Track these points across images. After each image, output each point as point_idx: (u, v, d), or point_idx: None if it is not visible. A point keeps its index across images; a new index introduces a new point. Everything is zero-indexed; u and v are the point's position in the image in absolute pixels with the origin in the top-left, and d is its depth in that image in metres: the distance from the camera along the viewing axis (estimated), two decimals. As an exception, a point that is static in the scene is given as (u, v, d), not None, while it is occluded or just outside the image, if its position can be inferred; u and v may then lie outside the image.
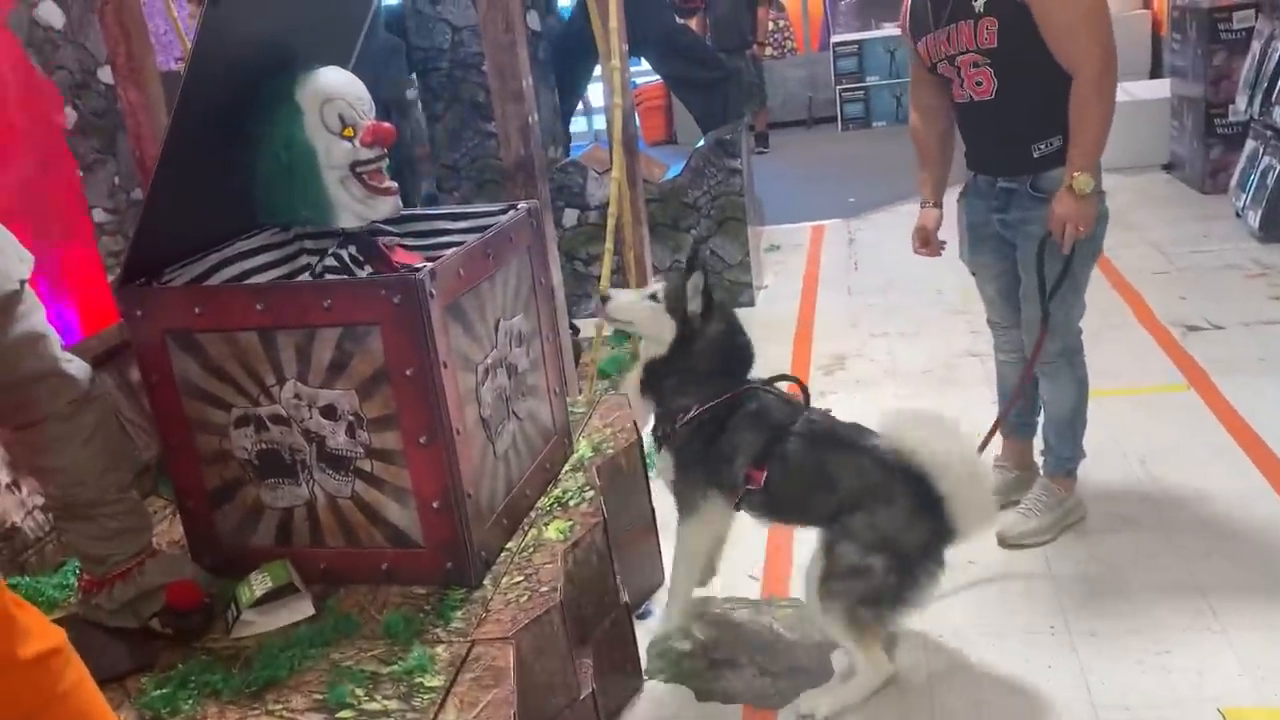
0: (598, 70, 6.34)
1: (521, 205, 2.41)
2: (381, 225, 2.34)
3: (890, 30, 10.64)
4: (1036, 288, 2.73)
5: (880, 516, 2.25)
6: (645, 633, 2.57)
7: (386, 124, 2.20)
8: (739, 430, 2.38)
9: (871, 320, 4.80)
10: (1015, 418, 3.06)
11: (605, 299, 2.52)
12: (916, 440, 2.23)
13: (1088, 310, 2.85)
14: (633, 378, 2.52)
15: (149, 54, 2.90)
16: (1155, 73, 8.42)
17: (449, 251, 2.15)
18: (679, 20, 6.04)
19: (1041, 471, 3.01)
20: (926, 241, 2.98)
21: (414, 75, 5.37)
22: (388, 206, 2.24)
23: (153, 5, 5.09)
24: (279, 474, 2.08)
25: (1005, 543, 2.87)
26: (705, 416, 2.38)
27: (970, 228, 2.92)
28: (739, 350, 2.47)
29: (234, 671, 1.86)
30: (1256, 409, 3.46)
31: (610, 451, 2.60)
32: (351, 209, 2.19)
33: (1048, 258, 2.69)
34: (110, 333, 2.78)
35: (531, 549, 2.16)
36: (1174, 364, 3.89)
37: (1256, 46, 5.47)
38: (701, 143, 5.27)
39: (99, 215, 4.51)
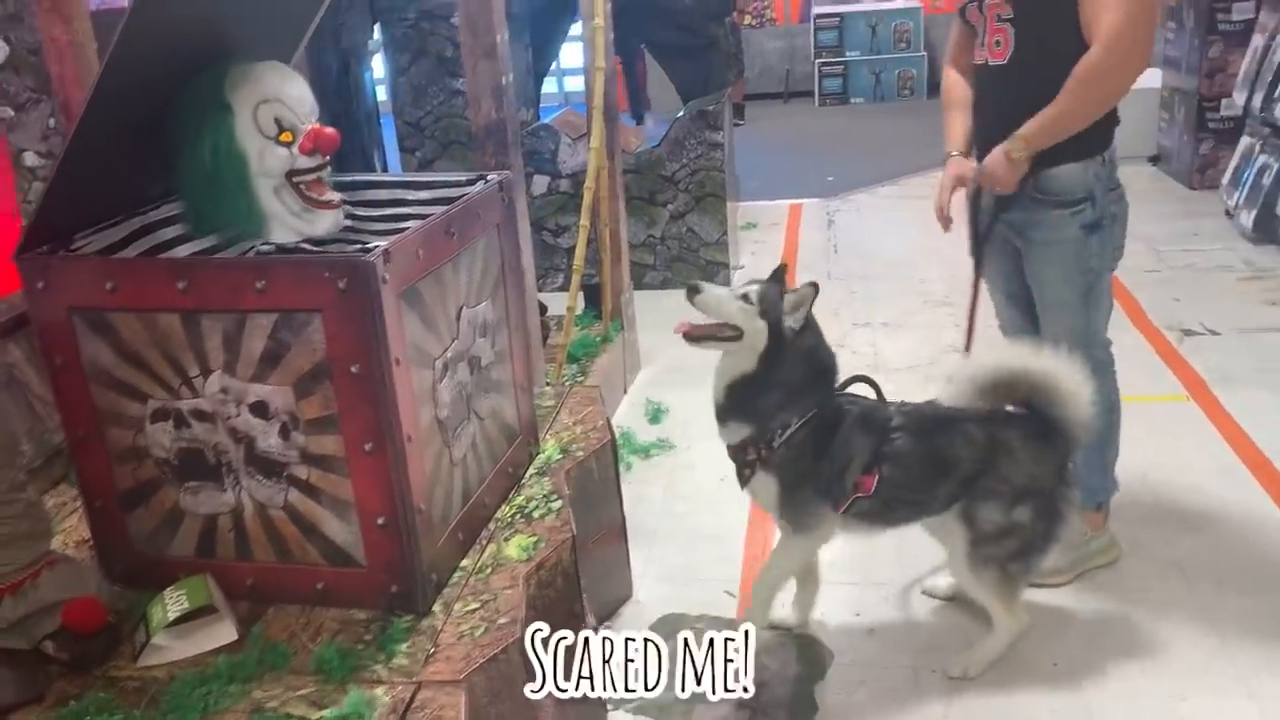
0: (574, 29, 6.05)
1: (492, 177, 2.14)
2: (340, 195, 2.05)
3: (872, 5, 10.37)
4: (1054, 303, 2.51)
5: (1007, 469, 2.26)
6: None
7: (330, 129, 1.91)
8: (847, 439, 2.28)
9: (854, 309, 4.57)
10: None
11: (696, 290, 2.23)
12: (1017, 372, 2.25)
13: None
14: (718, 397, 2.29)
15: (77, -13, 2.57)
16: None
17: (408, 227, 1.88)
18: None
19: None
20: (959, 186, 2.58)
21: (376, 24, 5.03)
22: (327, 222, 1.96)
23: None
24: (201, 476, 1.80)
25: None
26: (807, 431, 2.25)
27: (976, 224, 2.63)
28: (829, 359, 2.33)
29: (138, 711, 1.60)
30: (1258, 423, 3.29)
31: (580, 454, 2.35)
32: (286, 222, 1.91)
33: (1050, 276, 2.48)
34: (21, 297, 2.48)
35: (489, 569, 1.91)
36: (1172, 372, 3.72)
37: (1259, 41, 5.29)
38: (681, 112, 4.99)
39: (30, 159, 4.14)
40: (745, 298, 2.22)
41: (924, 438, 2.29)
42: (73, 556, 1.99)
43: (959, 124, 2.62)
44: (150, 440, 1.80)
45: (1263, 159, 5.07)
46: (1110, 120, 2.40)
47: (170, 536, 1.86)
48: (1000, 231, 2.58)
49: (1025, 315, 2.66)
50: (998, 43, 2.43)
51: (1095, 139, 2.37)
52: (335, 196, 1.99)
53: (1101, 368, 2.53)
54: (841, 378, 2.35)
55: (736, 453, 2.31)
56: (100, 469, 1.85)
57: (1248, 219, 5.04)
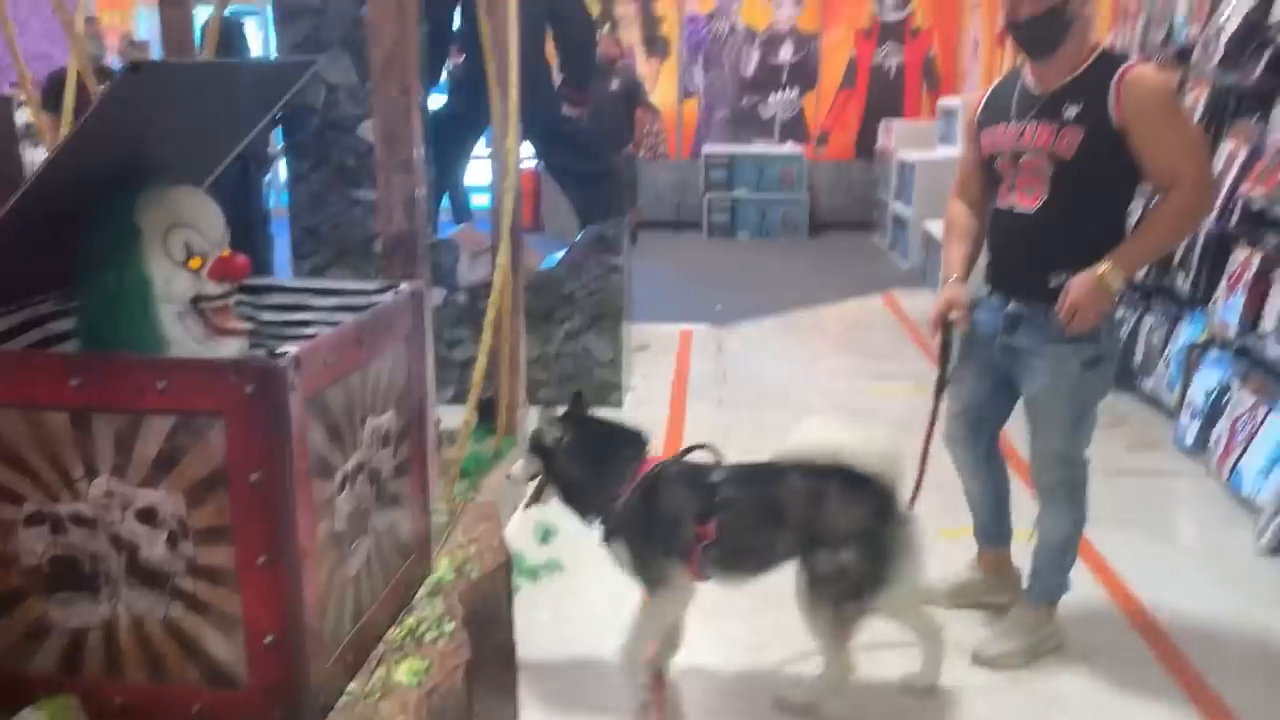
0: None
1: (404, 287, 2.12)
2: (241, 298, 2.01)
3: (761, 148, 10.87)
4: (1045, 425, 2.75)
5: (830, 516, 2.49)
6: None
7: (241, 257, 1.89)
8: (673, 494, 2.58)
9: (743, 435, 4.61)
10: (988, 527, 3.06)
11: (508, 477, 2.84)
12: (831, 445, 2.53)
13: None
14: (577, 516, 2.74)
15: (-24, 68, 2.50)
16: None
17: (312, 334, 1.84)
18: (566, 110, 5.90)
19: (1026, 595, 2.95)
20: (950, 309, 2.81)
21: (278, 131, 5.02)
22: (231, 349, 1.91)
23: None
24: (74, 586, 1.68)
25: (979, 659, 2.87)
26: (636, 495, 2.58)
27: (969, 337, 2.87)
28: (623, 436, 2.71)
29: (-19, 847, 1.45)
30: (1124, 562, 3.43)
31: (474, 575, 2.29)
32: (188, 348, 1.86)
33: (1045, 402, 2.74)
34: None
35: (378, 694, 1.82)
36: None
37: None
38: (581, 235, 5.08)
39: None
40: (521, 466, 2.76)
41: (752, 488, 2.58)
42: (-84, 671, 1.82)
43: (958, 252, 2.88)
44: (20, 546, 1.68)
45: (1120, 312, 5.43)
46: None
47: (32, 652, 1.72)
48: (992, 353, 2.81)
49: (973, 432, 2.92)
50: (1029, 190, 2.65)
51: None
52: (241, 324, 1.96)
53: (1076, 484, 2.81)
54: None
55: (602, 538, 2.67)
56: (-41, 575, 1.71)
57: (1108, 368, 5.35)
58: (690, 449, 2.71)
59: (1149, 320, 5.19)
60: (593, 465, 2.64)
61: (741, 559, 2.57)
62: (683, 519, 2.53)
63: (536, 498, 2.77)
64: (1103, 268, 2.52)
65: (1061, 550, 2.87)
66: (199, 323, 1.87)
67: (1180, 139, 2.55)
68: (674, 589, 2.62)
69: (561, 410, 2.68)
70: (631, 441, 2.68)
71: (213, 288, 1.87)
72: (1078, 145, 2.57)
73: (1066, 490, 2.82)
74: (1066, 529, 2.84)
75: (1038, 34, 2.60)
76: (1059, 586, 2.91)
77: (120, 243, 1.79)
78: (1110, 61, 2.62)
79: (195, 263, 1.84)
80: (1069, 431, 2.75)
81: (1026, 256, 2.70)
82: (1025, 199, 2.67)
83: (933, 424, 2.94)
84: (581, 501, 2.69)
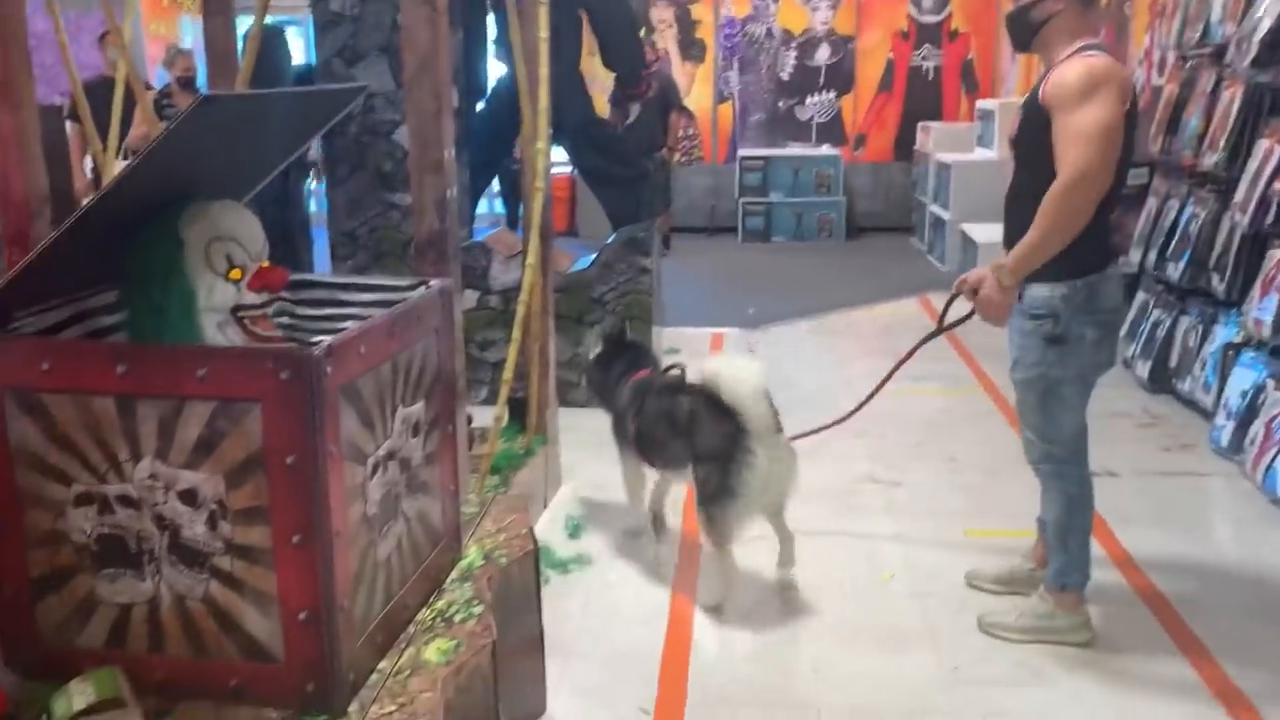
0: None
1: (434, 283, 2.20)
2: (281, 294, 2.10)
3: (797, 150, 10.88)
4: (1020, 402, 2.90)
5: (699, 435, 3.15)
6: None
7: (279, 269, 2.02)
8: (626, 397, 3.52)
9: (772, 436, 4.68)
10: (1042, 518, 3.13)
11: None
12: (710, 371, 3.16)
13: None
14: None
15: (28, 76, 2.59)
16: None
17: (346, 327, 1.92)
18: (611, 109, 5.97)
19: (1044, 579, 3.01)
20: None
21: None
22: None
23: (44, 37, 4.77)
24: (120, 564, 1.77)
25: (981, 624, 3.01)
26: (622, 393, 3.54)
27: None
28: (631, 350, 3.75)
29: (33, 806, 1.54)
30: (1155, 564, 3.43)
31: (503, 561, 2.36)
32: None
33: (1016, 377, 2.88)
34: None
35: (408, 672, 1.89)
36: (1073, 508, 3.86)
37: (1153, 203, 5.69)
38: (613, 238, 5.15)
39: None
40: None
41: (660, 401, 3.34)
42: (-28, 645, 1.91)
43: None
44: (70, 525, 1.77)
45: (1156, 313, 5.40)
46: (1085, 253, 2.69)
47: (81, 626, 1.81)
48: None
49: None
50: (1010, 173, 2.84)
51: (1064, 267, 2.69)
52: (278, 333, 2.07)
53: (1058, 464, 2.87)
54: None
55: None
56: (13, 554, 1.80)
57: (1144, 369, 5.32)
58: (670, 367, 3.51)
59: (1185, 321, 5.16)
60: (605, 369, 3.67)
61: (653, 452, 3.41)
62: (626, 414, 3.46)
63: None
64: (996, 264, 2.73)
65: (1060, 532, 2.91)
66: (239, 331, 1.98)
67: (1075, 125, 2.58)
68: (627, 459, 3.58)
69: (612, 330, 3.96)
70: (635, 358, 3.64)
71: (252, 298, 1.99)
72: (1017, 126, 2.78)
73: (1051, 470, 2.89)
74: (1058, 509, 2.90)
75: (1011, 31, 2.89)
76: (1064, 572, 2.92)
77: (165, 255, 1.90)
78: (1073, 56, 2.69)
79: (236, 274, 1.96)
80: (1039, 409, 2.83)
81: (1007, 237, 2.85)
82: (1009, 180, 2.87)
83: (903, 360, 3.46)
84: (599, 392, 3.70)
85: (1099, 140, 2.57)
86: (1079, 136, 2.58)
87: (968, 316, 3.10)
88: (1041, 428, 2.86)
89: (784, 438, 3.19)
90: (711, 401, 3.09)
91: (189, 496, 1.72)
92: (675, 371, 3.45)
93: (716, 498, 3.07)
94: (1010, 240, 2.81)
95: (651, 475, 3.59)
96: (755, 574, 3.36)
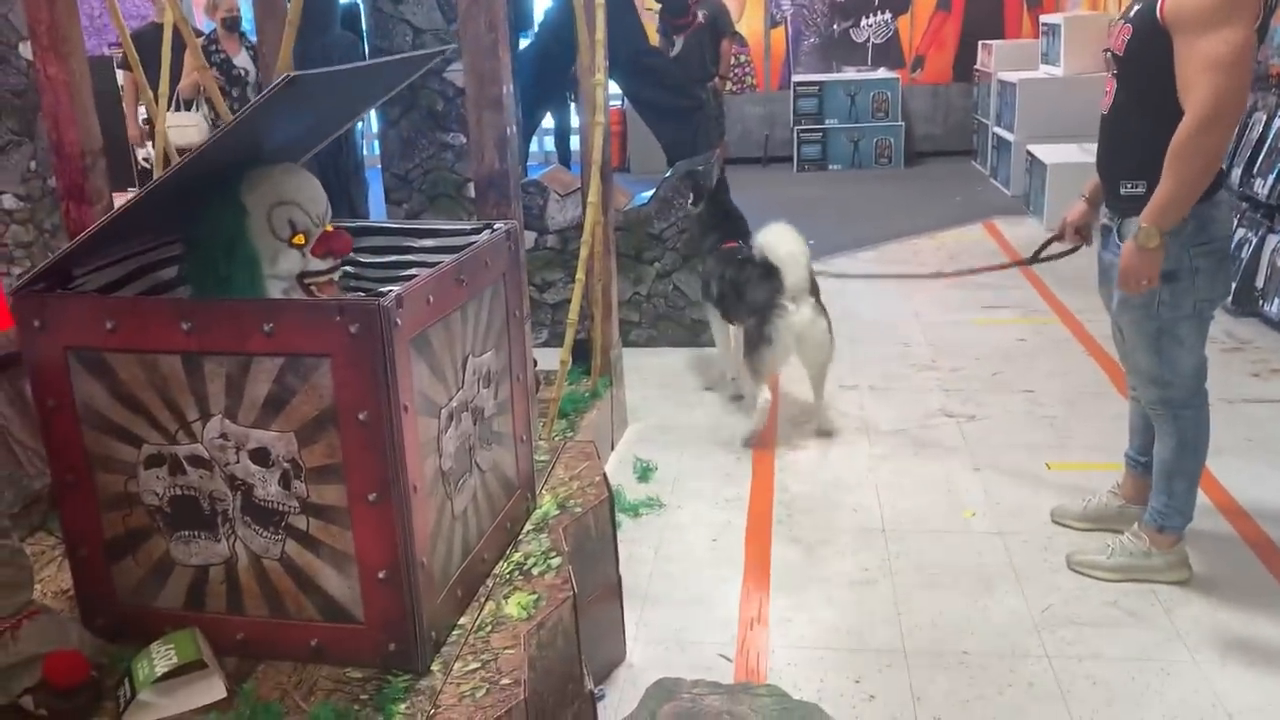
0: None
1: (499, 225, 2.11)
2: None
3: (851, 74, 10.56)
4: (1130, 344, 2.72)
5: (749, 292, 3.86)
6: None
7: (344, 234, 1.93)
8: (713, 263, 4.23)
9: (840, 371, 4.55)
10: (1133, 452, 3.04)
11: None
12: (760, 239, 3.87)
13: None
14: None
15: (76, 26, 2.52)
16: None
17: (411, 275, 1.85)
18: (661, 40, 5.79)
19: (1143, 516, 2.90)
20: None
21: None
22: None
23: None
24: (194, 525, 1.74)
25: (1070, 562, 2.92)
26: (713, 256, 4.24)
27: (1098, 259, 2.87)
28: (731, 217, 4.33)
29: (121, 772, 1.52)
30: (1248, 492, 3.29)
31: (578, 510, 2.30)
32: None
33: (1126, 319, 2.70)
34: (5, 336, 2.41)
35: (489, 628, 1.85)
36: (1160, 440, 3.72)
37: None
38: (670, 172, 5.01)
39: (9, 201, 4.08)
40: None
41: (734, 269, 3.99)
42: (53, 608, 1.90)
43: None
44: (142, 487, 1.73)
45: (1241, 232, 5.16)
46: None
47: (158, 588, 1.79)
48: (1103, 272, 2.83)
49: (1119, 349, 2.87)
50: (1106, 90, 2.61)
51: None
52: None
53: (1174, 406, 2.71)
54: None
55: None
56: (87, 516, 1.77)
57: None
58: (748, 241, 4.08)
59: (1272, 240, 4.92)
60: (702, 233, 4.37)
61: (728, 309, 4.09)
62: (711, 278, 4.19)
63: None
64: (1136, 237, 2.46)
65: (1166, 473, 2.77)
66: (304, 298, 1.91)
67: (1206, 50, 2.30)
68: (714, 316, 4.28)
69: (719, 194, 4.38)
70: (729, 229, 4.23)
71: (317, 263, 1.92)
72: (1127, 43, 2.50)
73: (1166, 411, 2.72)
74: (1169, 450, 2.76)
75: None
76: (1165, 513, 2.80)
77: (228, 223, 1.84)
78: None
79: (299, 239, 1.89)
80: (1150, 349, 2.66)
81: (1104, 164, 2.66)
82: (1104, 101, 2.63)
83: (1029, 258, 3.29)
84: (692, 249, 4.61)
85: (1234, 68, 2.29)
86: (1212, 63, 2.29)
87: (1070, 250, 3.00)
88: (1157, 370, 2.68)
89: (816, 300, 3.83)
90: (765, 267, 3.75)
91: (260, 456, 1.67)
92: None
93: (755, 343, 3.76)
94: (1106, 164, 2.63)
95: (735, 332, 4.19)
96: (832, 509, 3.29)
